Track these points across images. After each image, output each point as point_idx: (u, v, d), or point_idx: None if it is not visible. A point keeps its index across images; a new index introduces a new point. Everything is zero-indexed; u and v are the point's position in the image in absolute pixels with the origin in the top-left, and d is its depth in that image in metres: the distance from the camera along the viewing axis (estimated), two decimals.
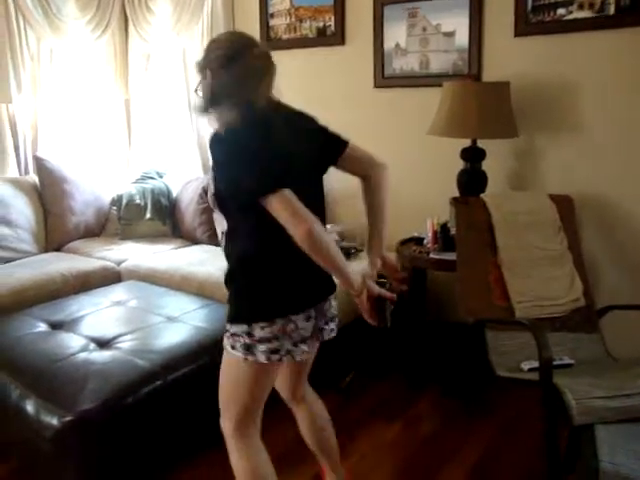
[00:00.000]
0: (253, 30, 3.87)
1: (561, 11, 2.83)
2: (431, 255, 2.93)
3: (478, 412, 2.80)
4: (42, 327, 2.64)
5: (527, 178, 3.08)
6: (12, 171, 4.03)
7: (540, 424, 2.11)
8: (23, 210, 3.74)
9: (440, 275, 3.17)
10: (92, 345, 2.46)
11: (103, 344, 2.47)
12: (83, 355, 2.36)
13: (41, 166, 3.90)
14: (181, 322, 2.70)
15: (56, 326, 2.66)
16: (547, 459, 2.09)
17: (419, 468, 2.41)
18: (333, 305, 1.84)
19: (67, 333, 2.58)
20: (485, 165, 2.98)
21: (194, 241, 3.91)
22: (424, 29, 3.22)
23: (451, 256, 2.77)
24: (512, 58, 3.00)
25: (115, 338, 2.51)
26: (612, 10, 2.71)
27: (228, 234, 1.73)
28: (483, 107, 2.78)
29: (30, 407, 2.11)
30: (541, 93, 2.96)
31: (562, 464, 2.16)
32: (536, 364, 2.21)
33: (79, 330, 2.60)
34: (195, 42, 4.02)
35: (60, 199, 3.88)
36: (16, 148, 4.00)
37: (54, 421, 2.02)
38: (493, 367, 2.34)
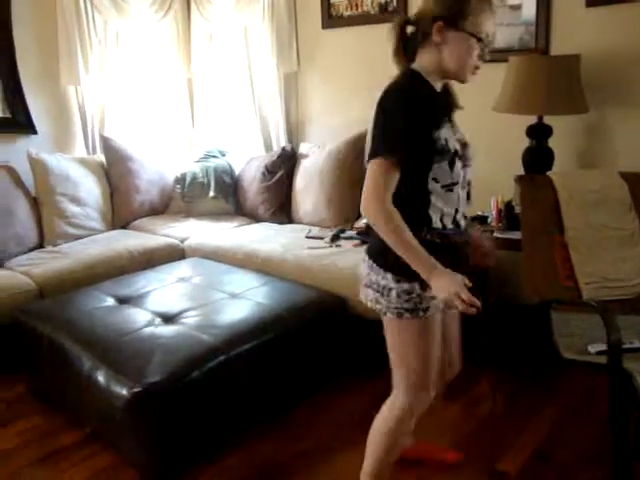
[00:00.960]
0: (314, 7, 3.85)
1: None
2: (495, 234, 2.88)
3: (543, 394, 2.75)
4: (111, 302, 2.74)
5: (596, 155, 2.97)
6: (80, 151, 4.16)
7: (606, 409, 2.05)
8: (91, 189, 3.85)
9: (504, 254, 3.10)
10: (158, 320, 2.53)
11: (168, 319, 2.55)
12: (149, 329, 2.44)
13: (108, 146, 4.01)
14: (244, 299, 2.75)
15: (124, 301, 2.75)
16: (614, 445, 2.03)
17: (480, 450, 2.39)
18: (364, 271, 1.76)
19: (134, 308, 2.66)
20: (552, 142, 2.89)
21: (256, 219, 3.95)
22: None
23: (516, 235, 2.72)
24: (583, 30, 2.88)
25: (180, 313, 2.58)
26: None
27: None
28: (551, 82, 2.68)
29: (101, 378, 2.21)
30: (614, 66, 2.83)
31: (630, 451, 2.10)
32: (604, 347, 2.13)
33: (145, 305, 2.69)
34: (257, 20, 4.02)
35: (126, 178, 3.99)
36: (84, 128, 4.12)
37: (124, 391, 2.10)
38: (559, 349, 2.29)
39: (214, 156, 4.26)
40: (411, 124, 1.57)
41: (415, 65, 1.68)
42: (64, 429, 2.53)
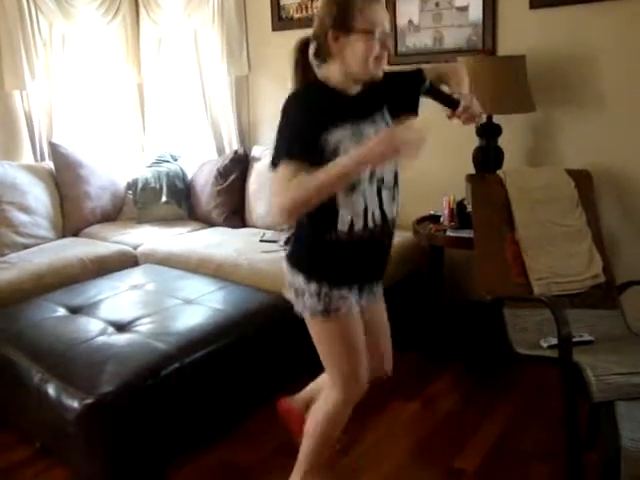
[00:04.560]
0: (264, 9, 3.84)
1: None
2: (448, 233, 2.91)
3: (497, 390, 2.79)
4: (61, 312, 2.67)
5: (544, 153, 3.04)
6: (27, 157, 4.04)
7: (560, 401, 2.09)
8: (40, 196, 3.75)
9: (457, 253, 3.14)
10: (110, 329, 2.48)
11: (121, 327, 2.49)
12: (102, 339, 2.38)
13: (56, 152, 3.91)
14: (198, 304, 2.71)
15: (75, 310, 2.68)
16: (567, 436, 2.08)
17: (438, 446, 2.41)
18: (286, 274, 1.84)
19: (86, 317, 2.60)
20: (501, 141, 2.94)
21: (210, 223, 3.91)
22: (437, 4, 3.16)
23: (468, 233, 2.75)
24: (528, 31, 2.94)
25: (133, 321, 2.53)
26: None
27: None
28: (499, 82, 2.73)
29: (51, 390, 2.14)
30: (558, 66, 2.90)
31: (582, 441, 2.15)
32: (555, 341, 2.18)
33: (97, 314, 2.62)
34: (206, 23, 3.99)
35: (76, 184, 3.90)
36: (31, 134, 4.01)
37: (75, 404, 2.05)
38: (512, 345, 2.32)
39: (166, 161, 4.20)
40: (302, 127, 1.61)
41: (319, 76, 1.72)
42: (14, 445, 2.44)
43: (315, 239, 1.73)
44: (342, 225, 1.67)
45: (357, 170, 1.57)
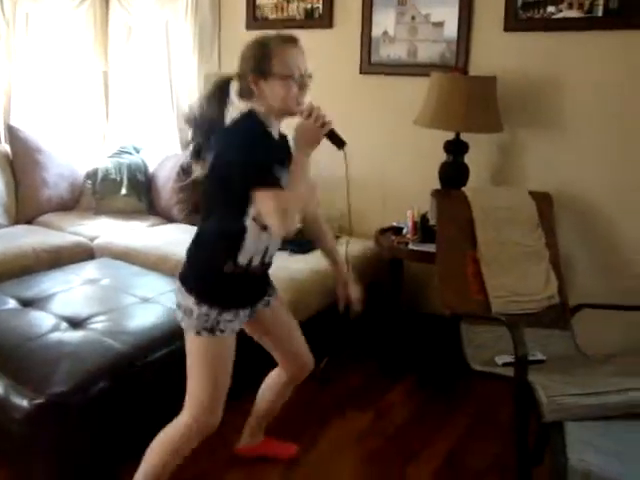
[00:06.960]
0: (239, 7, 3.80)
1: (551, 9, 2.83)
2: (410, 246, 2.93)
3: (451, 403, 2.83)
4: (12, 304, 2.58)
5: (508, 173, 3.10)
6: None
7: (509, 415, 2.13)
8: None
9: (417, 265, 3.18)
10: (64, 325, 2.41)
11: (76, 324, 2.42)
12: (55, 335, 2.31)
13: (14, 135, 3.80)
14: (155, 303, 2.66)
15: (27, 303, 2.59)
16: (517, 453, 2.12)
17: (389, 457, 2.43)
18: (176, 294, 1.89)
19: (39, 311, 2.52)
20: (467, 158, 2.98)
21: (170, 219, 3.85)
22: (413, 18, 3.19)
23: (430, 247, 2.78)
24: (500, 52, 3.00)
25: (88, 318, 2.46)
26: (600, 12, 2.73)
27: None
28: (470, 101, 2.76)
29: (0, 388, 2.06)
30: (526, 89, 2.96)
31: (531, 457, 2.20)
32: (509, 359, 2.23)
33: (51, 308, 2.54)
34: (179, 16, 3.92)
35: (33, 170, 3.79)
36: None
37: (24, 403, 1.97)
38: (468, 360, 2.37)
39: (128, 152, 4.11)
40: (266, 155, 1.67)
41: (252, 106, 1.78)
42: None
43: (211, 267, 1.81)
44: (243, 259, 1.79)
45: (308, 156, 1.70)
